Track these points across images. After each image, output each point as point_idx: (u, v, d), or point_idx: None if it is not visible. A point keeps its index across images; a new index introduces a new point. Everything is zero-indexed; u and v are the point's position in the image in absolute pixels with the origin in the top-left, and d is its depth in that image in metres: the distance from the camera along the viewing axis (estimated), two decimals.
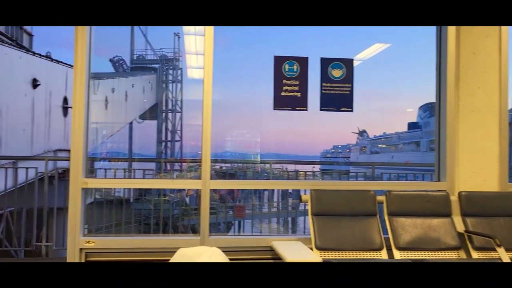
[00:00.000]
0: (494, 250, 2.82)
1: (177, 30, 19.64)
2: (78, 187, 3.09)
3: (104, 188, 6.50)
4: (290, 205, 11.74)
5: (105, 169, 6.48)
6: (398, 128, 33.14)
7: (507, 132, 3.45)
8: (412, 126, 30.42)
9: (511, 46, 3.49)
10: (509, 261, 2.75)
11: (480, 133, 3.43)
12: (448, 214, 3.22)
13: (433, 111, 3.72)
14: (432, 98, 3.66)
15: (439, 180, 3.50)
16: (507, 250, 2.79)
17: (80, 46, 3.10)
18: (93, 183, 3.25)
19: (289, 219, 12.18)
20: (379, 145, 35.69)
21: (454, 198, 3.28)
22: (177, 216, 9.53)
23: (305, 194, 3.37)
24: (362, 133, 37.95)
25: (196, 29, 4.98)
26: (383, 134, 35.77)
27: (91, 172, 3.83)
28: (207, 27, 3.26)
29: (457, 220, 3.20)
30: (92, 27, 3.21)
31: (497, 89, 3.43)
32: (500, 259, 2.75)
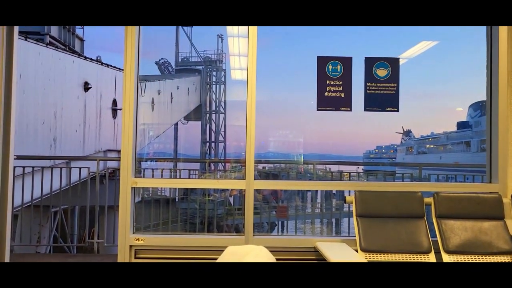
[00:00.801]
0: None
1: (221, 31, 19.92)
2: (128, 186, 3.22)
3: (151, 188, 6.70)
4: (334, 206, 11.63)
5: (152, 169, 6.69)
6: (447, 128, 32.01)
7: None
8: (461, 125, 29.28)
9: None
10: None
11: None
12: (500, 217, 3.09)
13: (484, 110, 3.58)
14: (483, 96, 3.53)
15: (490, 182, 3.37)
16: None
17: (130, 49, 3.23)
18: (142, 182, 3.38)
19: (333, 220, 12.05)
20: (427, 145, 34.61)
21: (507, 200, 3.15)
22: (221, 215, 9.68)
23: (349, 195, 3.35)
24: (407, 133, 36.92)
25: (240, 31, 5.05)
26: (430, 134, 34.66)
27: (138, 172, 3.97)
28: (251, 29, 3.30)
29: (510, 223, 3.07)
30: (140, 30, 3.33)
31: None
32: None
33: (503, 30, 3.29)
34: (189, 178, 7.38)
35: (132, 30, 3.24)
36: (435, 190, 3.24)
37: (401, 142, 38.02)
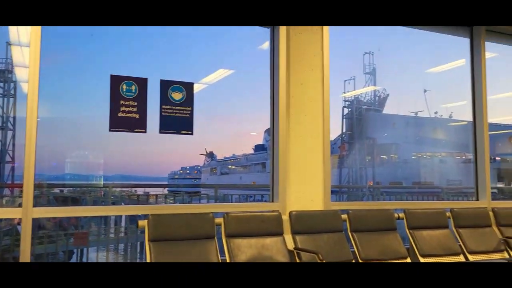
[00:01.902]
0: None
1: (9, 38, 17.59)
2: None
3: None
4: (139, 230, 11.25)
5: None
6: (247, 150, 34.81)
7: (329, 156, 3.86)
8: (259, 148, 32.24)
9: (335, 81, 3.95)
10: None
11: (307, 157, 3.76)
12: (280, 233, 3.42)
13: None
14: None
15: (273, 201, 3.72)
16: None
17: None
18: None
19: (138, 243, 11.66)
20: (229, 166, 36.89)
21: (285, 217, 3.51)
22: (5, 247, 8.34)
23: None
24: (210, 154, 38.80)
25: (26, 40, 4.51)
26: (232, 156, 37.10)
27: None
28: (33, 36, 2.97)
29: (288, 238, 3.43)
30: None
31: (321, 118, 3.82)
32: None
33: (282, 64, 3.72)
34: None
35: None
36: (227, 210, 3.39)
37: (204, 163, 39.70)
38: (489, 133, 4.78)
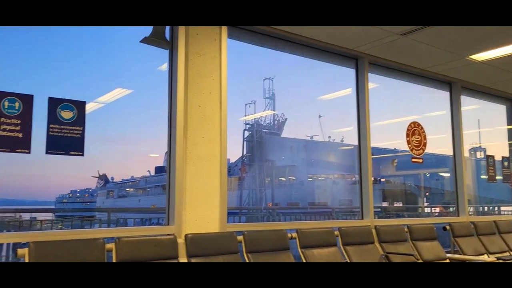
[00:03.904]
0: None
1: None
2: None
3: None
4: (20, 259, 10.24)
5: None
6: (147, 172, 33.79)
7: (226, 178, 3.91)
8: (159, 170, 31.48)
9: (237, 104, 4.05)
10: None
11: (204, 179, 3.77)
12: (175, 257, 3.36)
13: None
14: None
15: (168, 224, 3.65)
16: None
17: None
18: None
19: None
20: (127, 189, 35.45)
21: (181, 240, 3.46)
22: None
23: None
24: (103, 177, 37.02)
25: None
26: (131, 178, 35.75)
27: None
28: None
29: (183, 261, 3.38)
30: None
31: (218, 140, 3.88)
32: None
33: (180, 86, 3.72)
34: None
35: None
36: (119, 235, 3.25)
37: (97, 186, 37.71)
38: (373, 156, 5.23)
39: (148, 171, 33.31)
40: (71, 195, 40.46)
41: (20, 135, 3.08)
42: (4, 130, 3.02)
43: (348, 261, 4.29)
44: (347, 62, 5.31)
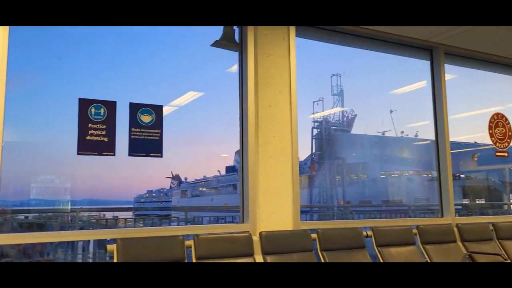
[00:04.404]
0: None
1: None
2: None
3: None
4: (107, 254, 10.97)
5: None
6: (218, 172, 34.67)
7: (298, 176, 3.92)
8: (230, 169, 32.15)
9: (305, 102, 4.05)
10: None
11: (276, 177, 3.81)
12: (251, 254, 3.43)
13: None
14: None
15: (243, 222, 3.74)
16: None
17: None
18: None
19: None
20: (200, 189, 36.57)
21: (256, 238, 3.53)
22: None
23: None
24: (176, 177, 38.50)
25: None
26: (203, 178, 36.82)
27: None
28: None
29: (258, 258, 3.44)
30: None
31: (289, 139, 3.90)
32: None
33: (250, 87, 3.80)
34: None
35: None
36: (197, 232, 3.39)
37: (170, 186, 39.28)
38: (452, 151, 4.97)
39: (218, 171, 34.14)
40: (147, 195, 42.56)
41: (106, 139, 3.31)
42: (92, 135, 3.26)
43: (429, 260, 4.12)
44: (421, 53, 5.10)
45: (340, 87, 24.63)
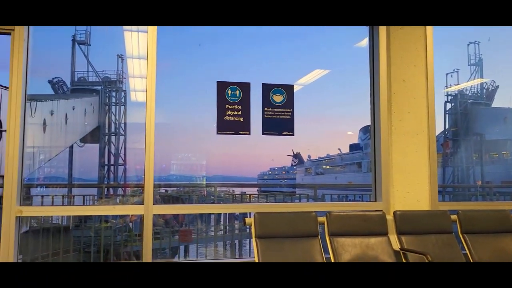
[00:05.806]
0: None
1: (121, 51, 19.30)
2: (12, 216, 2.95)
3: (42, 216, 6.19)
4: (237, 228, 11.74)
5: (42, 196, 6.18)
6: (342, 149, 34.30)
7: (435, 154, 3.70)
8: (353, 147, 31.55)
9: (437, 74, 3.78)
10: None
11: (411, 155, 3.65)
12: (385, 233, 3.37)
13: None
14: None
15: (375, 200, 3.67)
16: None
17: (16, 64, 3.01)
18: (28, 211, 3.11)
19: (236, 242, 12.14)
20: (323, 166, 36.62)
21: (389, 217, 3.44)
22: (119, 243, 9.22)
23: (249, 216, 3.41)
24: (296, 155, 39.08)
25: (139, 52, 4.96)
26: (326, 156, 36.76)
27: (26, 199, 3.65)
28: (150, 50, 3.28)
29: (393, 238, 3.36)
30: (29, 44, 3.13)
31: (425, 115, 3.69)
32: None
33: (382, 59, 3.66)
34: (83, 204, 6.95)
35: (20, 43, 3.03)
36: (328, 209, 3.43)
37: (292, 164, 40.00)
38: None
39: (339, 149, 33.70)
40: (270, 172, 44.10)
41: (241, 119, 3.50)
42: (229, 115, 3.48)
43: None
44: None
45: (478, 56, 22.27)
